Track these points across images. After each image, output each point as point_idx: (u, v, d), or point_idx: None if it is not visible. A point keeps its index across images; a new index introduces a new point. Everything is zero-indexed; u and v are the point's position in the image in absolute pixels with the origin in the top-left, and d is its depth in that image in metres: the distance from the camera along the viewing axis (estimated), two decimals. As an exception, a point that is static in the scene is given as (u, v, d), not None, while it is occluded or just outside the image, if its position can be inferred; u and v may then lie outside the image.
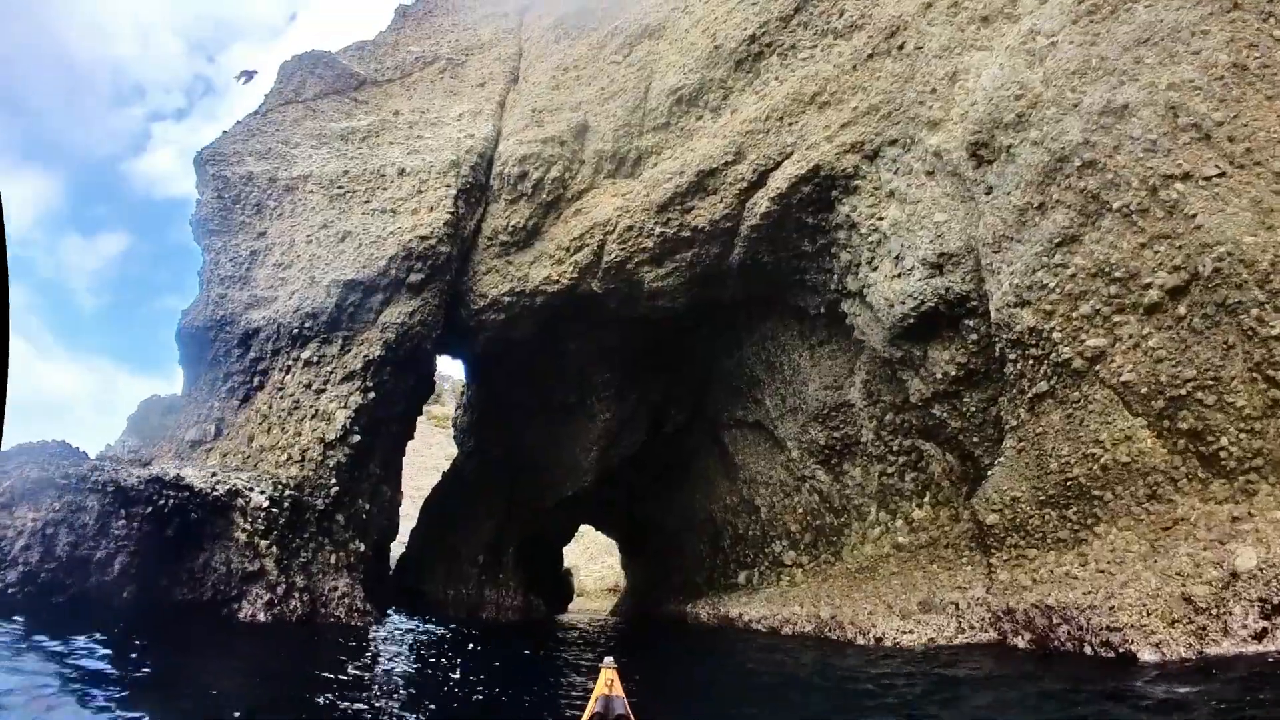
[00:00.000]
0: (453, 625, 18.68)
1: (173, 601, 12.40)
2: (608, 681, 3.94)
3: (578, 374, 25.42)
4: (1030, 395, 13.67)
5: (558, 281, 19.59)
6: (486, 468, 27.62)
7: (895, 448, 20.48)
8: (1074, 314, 12.59)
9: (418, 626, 17.47)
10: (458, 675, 11.52)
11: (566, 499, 27.49)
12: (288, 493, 14.71)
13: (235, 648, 12.08)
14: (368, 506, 17.14)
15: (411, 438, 21.32)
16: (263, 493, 13.96)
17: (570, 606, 50.82)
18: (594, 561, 54.82)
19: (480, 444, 28.40)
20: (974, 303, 14.81)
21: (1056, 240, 12.80)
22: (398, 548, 28.86)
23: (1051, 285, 12.85)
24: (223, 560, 13.13)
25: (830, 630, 17.38)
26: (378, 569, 20.03)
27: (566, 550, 54.83)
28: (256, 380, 17.91)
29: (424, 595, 23.82)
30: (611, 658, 4.36)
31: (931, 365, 15.98)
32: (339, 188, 19.89)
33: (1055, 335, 12.83)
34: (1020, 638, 12.00)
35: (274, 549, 13.92)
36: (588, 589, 53.10)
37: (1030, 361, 13.51)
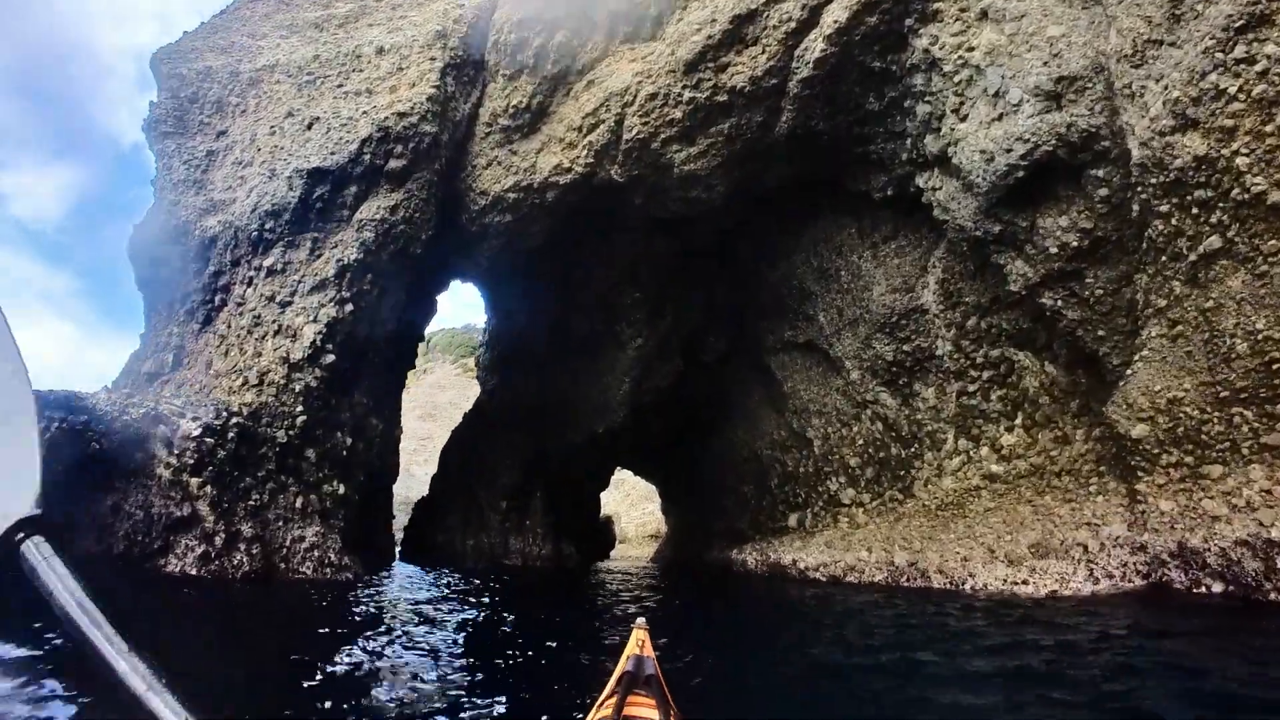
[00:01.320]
0: (458, 578, 15.59)
1: (70, 555, 9.30)
2: (639, 642, 3.25)
3: (603, 296, 21.95)
4: (1192, 259, 9.84)
5: (570, 169, 16.03)
6: (510, 407, 24.48)
7: (978, 360, 16.71)
8: (1268, 127, 8.70)
9: (416, 580, 14.38)
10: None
11: (598, 438, 24.24)
12: (234, 421, 11.59)
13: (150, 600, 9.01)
14: (349, 442, 14.01)
15: (411, 366, 18.18)
16: (195, 419, 10.85)
17: (613, 554, 48.31)
18: (634, 508, 52.01)
19: (503, 381, 25.27)
20: (1104, 143, 10.89)
21: (1236, 24, 8.86)
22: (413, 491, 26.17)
23: (1231, 91, 8.94)
24: (139, 503, 10.08)
25: (908, 579, 13.90)
26: (377, 517, 17.02)
27: (607, 497, 52.09)
28: (218, 298, 14.85)
29: (439, 546, 20.95)
30: (643, 619, 3.61)
31: (1042, 238, 12.14)
32: (308, 75, 16.50)
33: (1239, 161, 8.96)
34: (1205, 585, 8.34)
35: (210, 489, 10.84)
36: (629, 536, 50.41)
37: (1194, 211, 9.64)
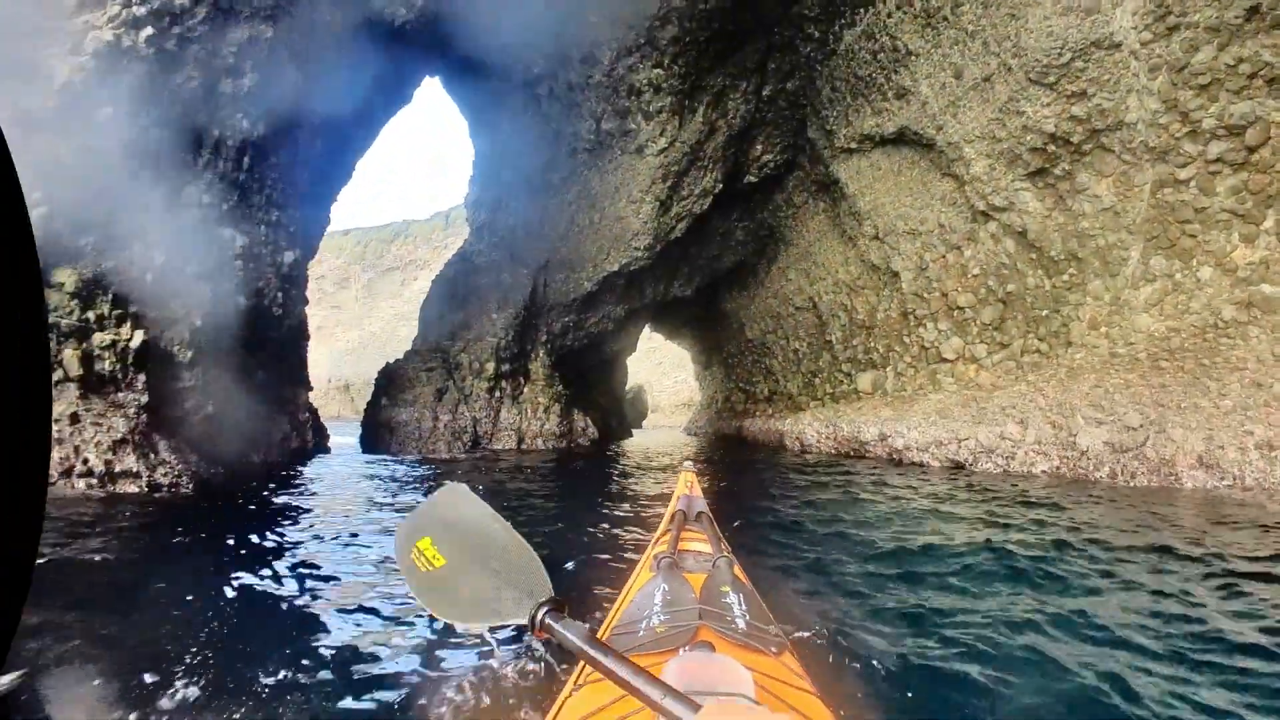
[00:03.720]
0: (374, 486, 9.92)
1: None
2: (688, 483, 3.41)
3: (612, 78, 15.09)
4: None
5: None
6: (502, 246, 18.29)
7: (1203, 125, 9.84)
8: None
9: (295, 495, 8.67)
10: None
11: (613, 281, 18.04)
12: None
13: None
14: (158, 262, 7.85)
15: (347, 178, 11.73)
16: None
17: (645, 424, 43.34)
18: (666, 376, 46.50)
19: (492, 214, 18.96)
20: None
21: None
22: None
23: None
24: None
25: (1113, 470, 7.78)
26: (268, 391, 11.17)
27: (638, 366, 46.55)
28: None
29: (401, 426, 15.18)
30: (690, 462, 3.71)
31: None
32: None
33: None
34: None
35: None
36: (661, 405, 45.24)
37: None
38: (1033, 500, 6.39)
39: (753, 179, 18.43)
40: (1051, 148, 11.10)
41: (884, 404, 14.01)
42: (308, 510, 6.67)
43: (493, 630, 1.14)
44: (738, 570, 2.19)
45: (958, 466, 10.39)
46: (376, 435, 15.34)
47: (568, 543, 5.03)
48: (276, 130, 9.98)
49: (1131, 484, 7.45)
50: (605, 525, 5.73)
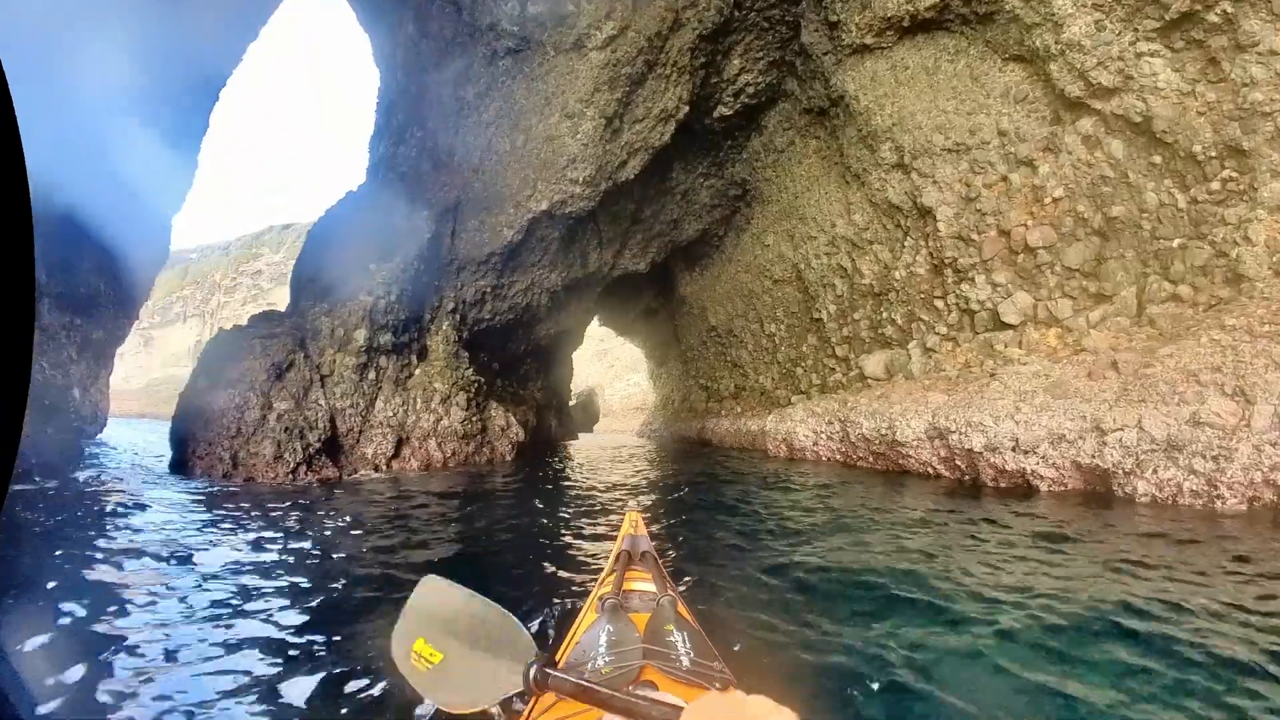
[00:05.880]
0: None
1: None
2: (633, 523, 3.29)
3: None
4: None
5: None
6: (398, 183, 13.38)
7: None
8: None
9: None
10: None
11: (543, 228, 13.34)
12: None
13: None
14: None
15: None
16: None
17: (596, 428, 38.59)
18: (619, 379, 41.83)
19: (394, 145, 14.09)
20: None
21: None
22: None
23: None
24: None
25: None
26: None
27: (589, 369, 41.77)
28: None
29: (215, 418, 10.01)
30: (635, 503, 3.57)
31: None
32: None
33: None
34: None
35: None
36: (614, 409, 40.53)
37: None
38: None
39: (725, 111, 13.96)
40: (1220, -30, 6.80)
41: (922, 388, 9.48)
42: None
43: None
44: (682, 608, 2.10)
45: (1096, 487, 5.86)
46: (187, 430, 10.18)
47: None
48: None
49: None
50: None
